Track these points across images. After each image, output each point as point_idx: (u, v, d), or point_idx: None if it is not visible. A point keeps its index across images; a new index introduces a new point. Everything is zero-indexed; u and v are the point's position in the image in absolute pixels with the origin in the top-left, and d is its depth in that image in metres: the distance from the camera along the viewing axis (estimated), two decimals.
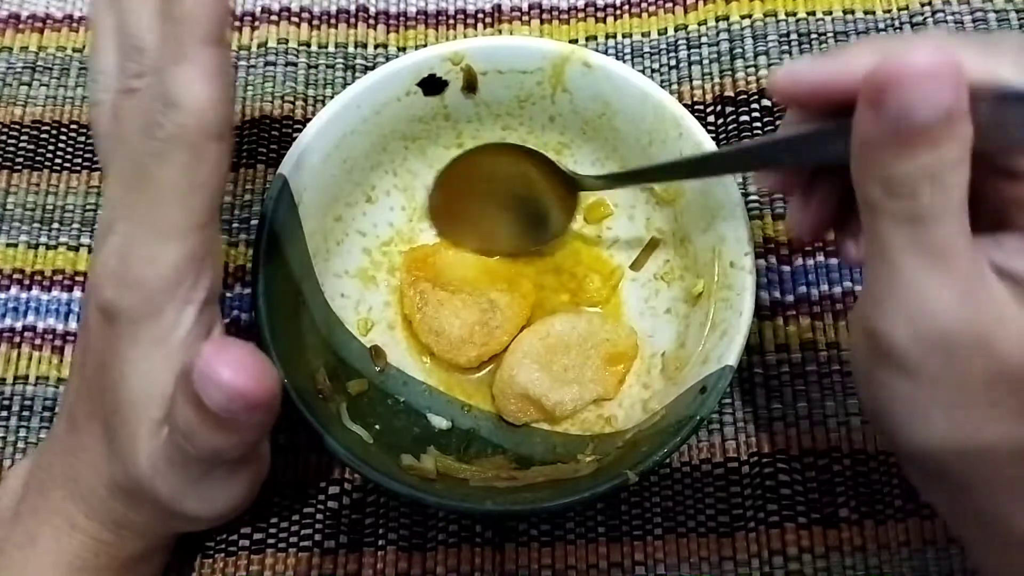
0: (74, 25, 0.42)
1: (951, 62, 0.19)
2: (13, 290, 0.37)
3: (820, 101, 0.23)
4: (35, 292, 0.37)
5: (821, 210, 0.26)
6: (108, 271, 0.25)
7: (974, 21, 0.40)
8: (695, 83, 0.40)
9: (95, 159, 0.39)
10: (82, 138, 0.39)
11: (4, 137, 0.39)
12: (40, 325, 0.37)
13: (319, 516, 0.34)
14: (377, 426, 0.32)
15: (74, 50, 0.41)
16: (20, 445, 0.35)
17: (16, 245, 0.38)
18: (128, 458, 0.26)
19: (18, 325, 0.37)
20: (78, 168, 0.39)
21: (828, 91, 0.22)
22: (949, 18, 0.40)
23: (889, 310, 0.21)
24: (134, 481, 0.26)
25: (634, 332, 0.34)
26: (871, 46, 0.22)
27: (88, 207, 0.38)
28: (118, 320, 0.25)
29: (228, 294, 0.37)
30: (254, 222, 0.38)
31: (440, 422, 0.34)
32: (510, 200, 0.35)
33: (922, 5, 0.41)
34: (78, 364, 0.28)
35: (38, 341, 0.36)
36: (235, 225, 0.38)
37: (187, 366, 0.23)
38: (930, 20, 0.40)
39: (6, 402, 0.35)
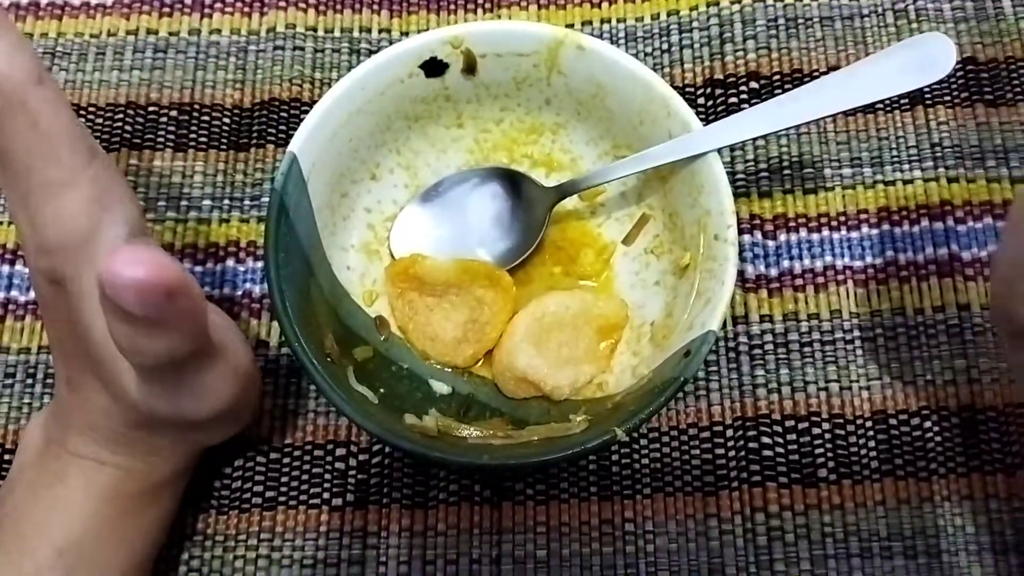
0: (91, 12, 0.43)
1: None
2: None
3: None
4: None
5: None
6: (32, 245, 0.26)
7: (952, 10, 0.42)
8: (686, 66, 0.42)
9: (111, 140, 0.41)
10: (100, 120, 0.41)
11: None
12: None
13: (327, 476, 0.36)
14: (382, 389, 0.34)
15: (91, 36, 0.43)
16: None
17: None
18: (126, 398, 0.28)
19: None
20: None
21: None
22: (929, 6, 0.42)
23: None
24: (140, 414, 0.28)
25: (624, 303, 0.36)
26: None
27: None
28: (63, 283, 0.26)
29: (241, 268, 0.39)
30: (264, 199, 0.40)
31: (441, 387, 0.36)
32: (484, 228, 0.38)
33: None
34: (52, 334, 0.30)
35: None
36: (247, 203, 0.40)
37: (99, 285, 0.23)
38: (911, 7, 0.42)
39: (31, 370, 0.37)
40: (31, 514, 0.29)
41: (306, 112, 0.34)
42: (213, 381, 0.29)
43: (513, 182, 0.37)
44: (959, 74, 0.41)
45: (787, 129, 0.32)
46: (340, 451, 0.36)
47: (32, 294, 0.39)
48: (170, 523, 0.33)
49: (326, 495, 0.35)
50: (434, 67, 0.35)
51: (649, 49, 0.42)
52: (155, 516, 0.32)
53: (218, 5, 0.44)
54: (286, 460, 0.36)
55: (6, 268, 0.39)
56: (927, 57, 0.29)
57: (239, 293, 0.38)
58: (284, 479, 0.36)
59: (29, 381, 0.37)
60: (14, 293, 0.39)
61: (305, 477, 0.36)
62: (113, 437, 0.29)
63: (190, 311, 0.24)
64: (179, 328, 0.24)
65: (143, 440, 0.30)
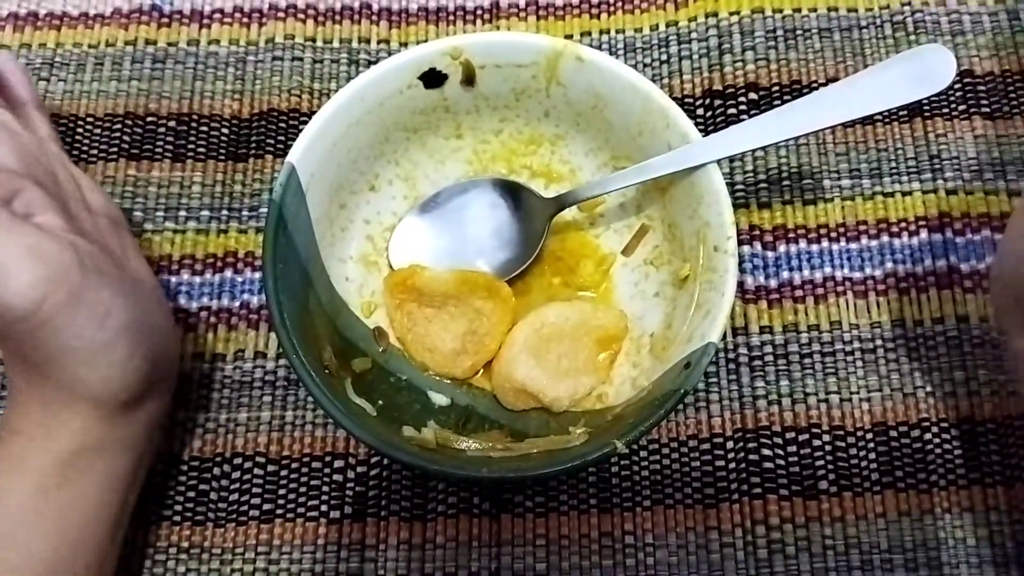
0: (89, 23, 0.43)
1: None
2: None
3: None
4: None
5: None
6: None
7: (949, 23, 0.42)
8: (685, 77, 0.42)
9: (110, 151, 0.41)
10: (98, 131, 0.41)
11: None
12: None
13: (325, 488, 0.35)
14: (380, 401, 0.34)
15: (89, 46, 0.43)
16: None
17: None
18: None
19: None
20: (94, 159, 0.41)
21: None
22: (927, 18, 0.42)
23: None
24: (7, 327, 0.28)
25: (624, 315, 0.36)
26: None
27: None
28: None
29: (239, 278, 0.39)
30: (263, 210, 0.40)
31: (440, 399, 0.35)
32: (482, 239, 0.37)
33: (902, 5, 0.42)
34: None
35: None
36: (245, 213, 0.40)
37: None
38: (909, 20, 0.42)
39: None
40: None
41: (305, 123, 0.34)
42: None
43: (512, 193, 0.37)
44: (956, 87, 0.41)
45: (787, 140, 0.32)
46: (338, 463, 0.36)
47: None
48: (111, 509, 0.31)
49: (324, 507, 0.35)
50: (433, 78, 0.35)
51: (648, 60, 0.42)
52: (87, 494, 0.30)
53: (216, 16, 0.44)
54: (283, 472, 0.36)
55: None
56: (927, 69, 0.29)
57: (237, 304, 0.38)
58: (282, 491, 0.35)
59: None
60: None
61: (303, 489, 0.35)
62: (20, 398, 0.30)
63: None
64: None
65: (36, 396, 0.30)
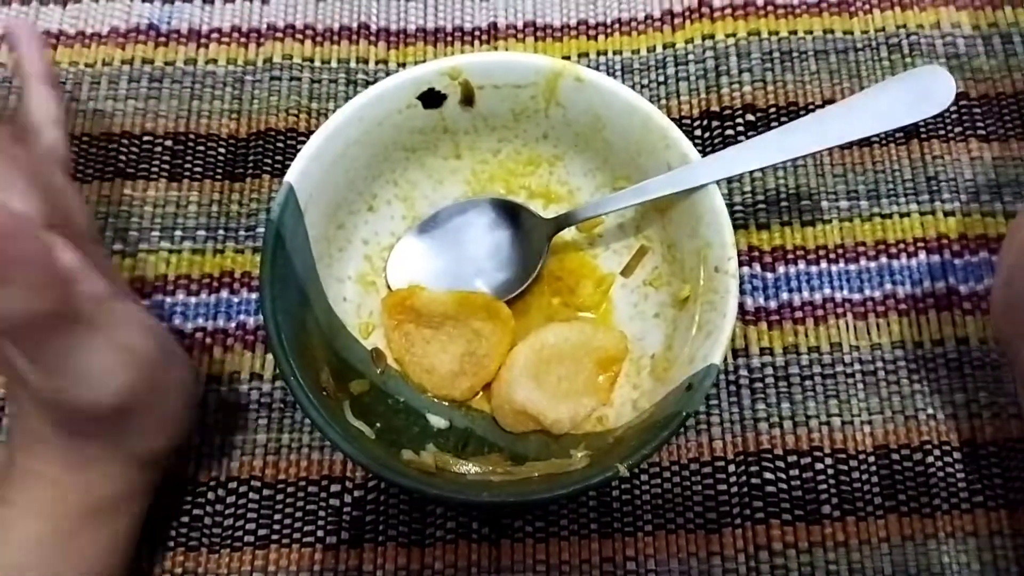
0: (86, 41, 0.43)
1: None
2: None
3: None
4: None
5: None
6: None
7: (944, 45, 0.42)
8: (682, 98, 0.42)
9: (106, 170, 0.40)
10: (93, 150, 0.41)
11: None
12: None
13: (321, 513, 0.35)
14: (378, 424, 0.33)
15: (86, 65, 0.43)
16: None
17: None
18: (31, 392, 0.27)
19: None
20: (89, 178, 0.40)
21: None
22: (922, 40, 0.42)
23: None
24: (44, 405, 0.27)
25: (624, 336, 0.36)
26: None
27: (98, 215, 0.40)
28: None
29: (235, 299, 0.38)
30: (259, 230, 0.39)
31: (438, 422, 0.35)
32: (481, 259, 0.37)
33: (897, 28, 0.43)
34: None
35: None
36: (241, 233, 0.39)
37: None
38: (904, 42, 0.42)
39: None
40: None
41: (302, 142, 0.34)
42: (99, 360, 0.27)
43: (511, 213, 0.37)
44: (952, 109, 0.41)
45: (786, 161, 0.32)
46: (335, 487, 0.35)
47: None
48: (123, 551, 0.31)
49: (320, 533, 0.34)
50: (432, 98, 0.35)
51: (645, 81, 0.42)
52: (102, 540, 0.30)
53: (214, 35, 0.43)
54: (279, 496, 0.35)
55: None
56: (926, 90, 0.29)
57: (233, 325, 0.38)
58: (277, 516, 0.35)
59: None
60: None
61: (299, 514, 0.35)
62: (44, 444, 0.29)
63: (29, 259, 0.23)
64: (18, 280, 0.23)
65: (71, 447, 0.29)
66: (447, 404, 0.36)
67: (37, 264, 0.23)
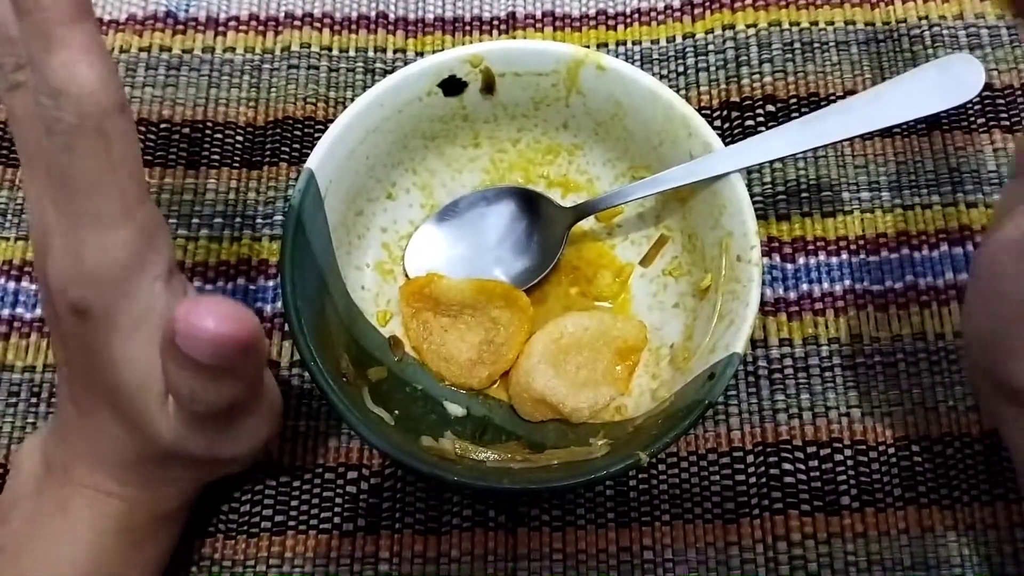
0: (104, 29, 0.43)
1: None
2: None
3: None
4: None
5: None
6: (66, 273, 0.25)
7: (967, 36, 0.42)
8: (702, 89, 0.42)
9: None
10: None
11: None
12: None
13: (338, 500, 0.35)
14: (396, 411, 0.33)
15: None
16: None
17: None
18: (149, 433, 0.27)
19: None
20: None
21: None
22: (945, 32, 0.42)
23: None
24: (163, 450, 0.27)
25: (643, 325, 0.36)
26: None
27: None
28: (90, 314, 0.25)
29: (252, 287, 0.38)
30: (277, 218, 0.39)
31: (456, 410, 0.35)
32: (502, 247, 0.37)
33: (919, 19, 0.42)
34: (62, 358, 0.28)
35: None
36: (259, 221, 0.39)
37: (167, 332, 0.23)
38: (927, 33, 0.42)
39: (36, 388, 0.37)
40: (31, 547, 0.28)
41: (320, 131, 0.34)
42: (255, 423, 0.29)
43: (530, 202, 0.37)
44: (975, 100, 0.41)
45: (814, 149, 0.31)
46: (352, 474, 0.35)
47: (38, 311, 0.38)
48: (171, 554, 0.32)
49: (337, 520, 0.34)
50: (453, 86, 0.35)
51: (665, 72, 0.42)
52: (158, 548, 0.31)
53: (232, 24, 0.43)
54: (296, 483, 0.35)
55: (12, 285, 0.38)
56: (955, 79, 0.28)
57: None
58: (294, 503, 0.35)
59: (33, 400, 0.36)
60: (19, 310, 0.38)
61: (316, 501, 0.35)
62: (123, 468, 0.28)
63: (257, 362, 0.25)
64: (244, 378, 0.25)
65: (155, 472, 0.29)
66: (465, 392, 0.35)
67: (261, 364, 0.27)
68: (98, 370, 0.26)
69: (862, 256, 0.38)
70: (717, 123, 0.41)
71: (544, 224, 0.37)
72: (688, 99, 0.41)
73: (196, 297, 0.25)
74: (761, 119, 0.41)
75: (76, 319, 0.26)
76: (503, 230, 0.37)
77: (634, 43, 0.43)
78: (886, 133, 0.40)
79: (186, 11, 0.44)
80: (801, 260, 0.38)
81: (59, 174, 0.24)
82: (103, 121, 0.23)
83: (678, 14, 0.43)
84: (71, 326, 0.26)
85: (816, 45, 0.42)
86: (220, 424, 0.27)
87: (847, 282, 0.38)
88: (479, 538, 0.34)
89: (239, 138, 0.41)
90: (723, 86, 0.41)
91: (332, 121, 0.33)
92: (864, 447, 0.35)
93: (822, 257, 0.38)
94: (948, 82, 0.29)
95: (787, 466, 0.35)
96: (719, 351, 0.30)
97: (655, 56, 0.42)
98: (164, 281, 0.26)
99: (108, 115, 0.23)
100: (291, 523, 0.34)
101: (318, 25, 0.43)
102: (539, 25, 0.44)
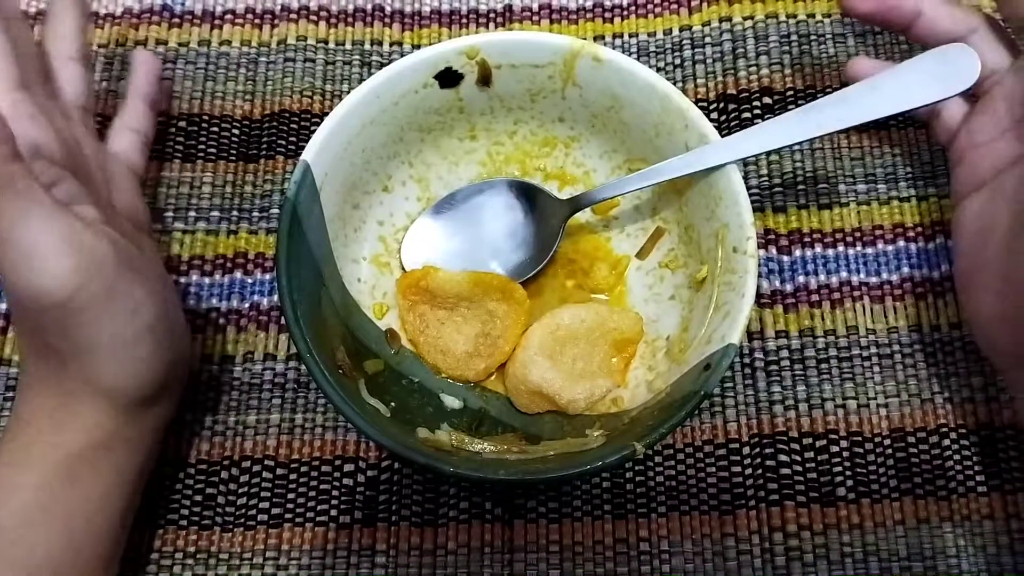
0: (100, 22, 0.43)
1: None
2: None
3: None
4: None
5: None
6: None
7: None
8: (699, 81, 0.42)
9: None
10: (106, 128, 0.41)
11: None
12: None
13: (335, 493, 0.35)
14: (393, 403, 0.33)
15: (99, 46, 0.43)
16: None
17: None
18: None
19: None
20: None
21: None
22: None
23: None
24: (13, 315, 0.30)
25: (640, 317, 0.36)
26: None
27: None
28: None
29: (249, 279, 0.38)
30: (274, 211, 0.39)
31: (452, 402, 0.35)
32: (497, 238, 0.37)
33: None
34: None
35: None
36: (255, 214, 0.39)
37: None
38: None
39: None
40: None
41: (316, 124, 0.34)
42: (44, 239, 0.28)
43: (527, 194, 0.37)
44: (971, 92, 0.40)
45: (811, 139, 0.31)
46: (348, 467, 0.35)
47: None
48: (116, 508, 0.31)
49: (333, 512, 0.35)
50: (449, 78, 0.35)
51: (662, 64, 0.42)
52: (89, 491, 0.30)
53: (228, 17, 0.43)
54: (292, 476, 0.35)
55: None
56: (952, 68, 0.28)
57: (247, 305, 0.38)
58: (291, 495, 0.35)
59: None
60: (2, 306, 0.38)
61: (312, 494, 0.35)
62: (31, 388, 0.30)
63: None
64: None
65: (51, 384, 0.30)
66: (461, 385, 0.35)
67: None
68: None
69: (858, 248, 0.38)
70: (714, 115, 0.41)
71: (540, 216, 0.37)
72: (685, 91, 0.41)
73: None
74: (758, 111, 0.41)
75: None
76: (499, 222, 0.37)
77: (631, 36, 0.43)
78: (882, 125, 0.40)
79: (182, 4, 0.44)
80: (797, 252, 0.38)
81: None
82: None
83: (675, 6, 0.43)
84: None
85: (813, 37, 0.42)
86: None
87: (843, 274, 0.38)
88: (476, 530, 0.34)
89: (235, 131, 0.41)
90: (720, 78, 0.41)
91: (329, 114, 0.33)
92: (860, 439, 0.35)
93: (818, 249, 0.38)
94: (945, 72, 0.29)
95: (783, 457, 0.35)
96: (715, 342, 0.30)
97: (652, 48, 0.42)
98: None
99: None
100: (288, 516, 0.34)
101: (314, 18, 0.43)
102: (536, 18, 0.44)
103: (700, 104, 0.41)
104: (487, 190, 0.37)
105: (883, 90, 0.30)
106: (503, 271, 0.36)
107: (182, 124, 0.41)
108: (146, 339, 0.30)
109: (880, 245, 0.38)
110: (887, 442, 0.35)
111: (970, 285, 0.33)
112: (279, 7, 0.43)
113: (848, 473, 0.35)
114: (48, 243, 0.27)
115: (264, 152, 0.40)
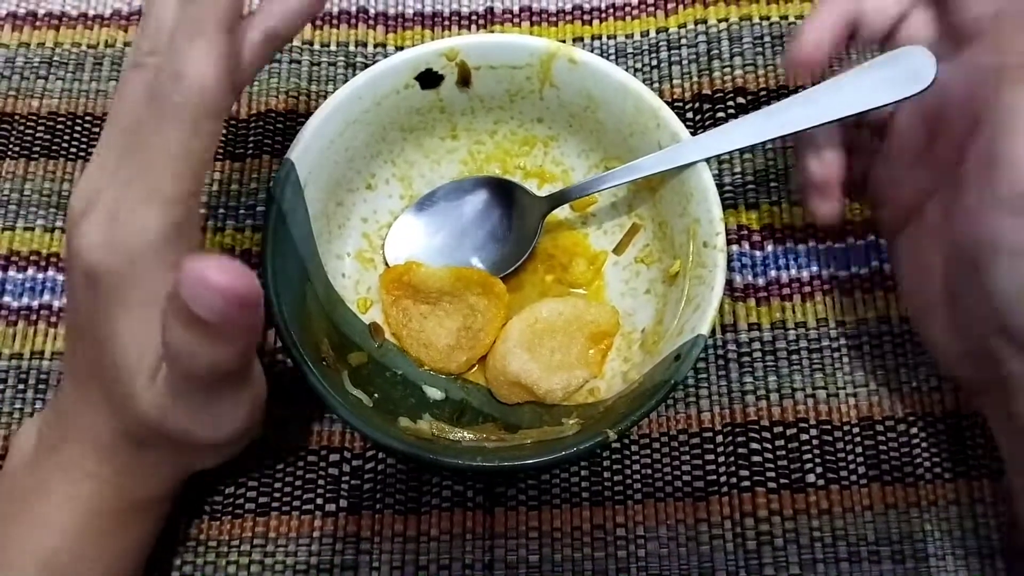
0: (88, 23, 0.44)
1: None
2: (30, 271, 0.39)
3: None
4: (51, 273, 0.39)
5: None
6: (94, 237, 0.26)
7: None
8: (675, 82, 0.43)
9: None
10: (96, 129, 0.42)
11: (22, 128, 0.42)
12: (56, 304, 0.39)
13: (320, 482, 0.36)
14: (376, 394, 0.34)
15: (88, 46, 0.43)
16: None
17: (33, 229, 0.40)
18: (130, 409, 0.27)
19: (35, 304, 0.39)
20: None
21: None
22: None
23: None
24: (143, 427, 0.28)
25: (616, 310, 0.37)
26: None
27: None
28: (101, 283, 0.26)
29: None
30: (259, 209, 0.40)
31: (434, 393, 0.36)
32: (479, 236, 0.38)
33: None
34: (70, 327, 0.29)
35: (53, 319, 0.38)
36: (241, 212, 0.40)
37: (172, 287, 0.23)
38: None
39: (23, 375, 0.37)
40: (13, 526, 0.29)
41: (302, 124, 0.34)
42: (236, 408, 0.29)
43: (506, 191, 0.38)
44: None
45: (775, 139, 0.32)
46: (334, 457, 0.36)
47: (25, 300, 0.39)
48: (148, 549, 0.32)
49: (319, 501, 0.35)
50: (429, 79, 0.36)
51: (639, 65, 0.43)
52: (137, 536, 0.31)
53: None
54: (280, 466, 0.36)
55: None
56: (909, 70, 0.30)
57: None
58: (277, 485, 0.36)
59: (20, 387, 0.37)
60: (6, 299, 0.39)
61: (298, 483, 0.36)
62: (103, 447, 0.29)
63: (253, 328, 0.25)
64: (238, 343, 0.25)
65: (132, 454, 0.29)
66: (443, 376, 0.36)
67: (256, 332, 0.26)
68: (96, 341, 0.27)
69: (828, 243, 0.39)
70: (689, 115, 0.42)
71: (520, 213, 0.38)
72: (661, 92, 0.42)
73: (204, 255, 0.26)
74: (732, 111, 0.42)
75: (87, 284, 0.26)
76: (480, 219, 0.38)
77: (609, 37, 0.44)
78: (852, 123, 0.41)
79: None
80: (769, 247, 0.39)
81: (136, 144, 0.26)
82: (200, 116, 0.26)
83: (652, 9, 0.44)
84: (82, 289, 0.27)
85: (786, 39, 0.43)
86: (202, 399, 0.27)
87: (814, 268, 0.39)
88: (458, 517, 0.35)
89: (222, 131, 0.42)
90: (695, 79, 0.43)
91: (315, 111, 0.34)
92: (829, 427, 0.36)
93: (790, 244, 0.39)
94: (903, 73, 0.30)
95: (755, 445, 0.36)
96: (686, 333, 0.31)
97: (629, 50, 0.44)
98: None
99: (206, 114, 0.26)
100: (275, 504, 0.35)
101: None
102: (516, 20, 0.45)
103: (676, 104, 0.42)
104: (467, 187, 0.38)
105: (846, 90, 0.31)
106: (484, 267, 0.37)
107: None
108: (248, 436, 0.32)
109: (850, 240, 0.39)
110: (856, 430, 0.36)
111: (921, 324, 0.33)
112: None
113: (818, 460, 0.36)
114: (238, 413, 0.29)
115: (251, 151, 0.41)
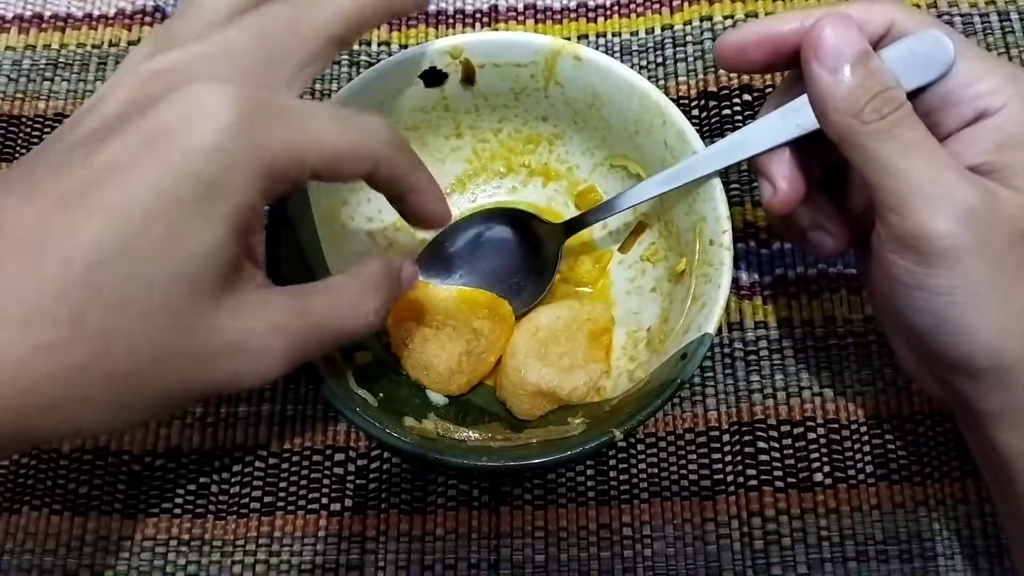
0: (93, 23, 0.44)
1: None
2: None
3: (761, 56, 0.30)
4: None
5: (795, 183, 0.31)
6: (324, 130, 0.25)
7: None
8: (680, 79, 0.42)
9: None
10: None
11: (28, 129, 0.42)
12: None
13: (325, 481, 0.36)
14: (380, 394, 0.34)
15: (93, 47, 0.43)
16: None
17: None
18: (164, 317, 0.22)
19: None
20: None
21: (766, 45, 0.30)
22: None
23: (916, 206, 0.25)
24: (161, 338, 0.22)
25: (607, 304, 0.37)
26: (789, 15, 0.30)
27: None
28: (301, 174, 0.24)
29: None
30: (265, 208, 0.40)
31: (439, 399, 0.36)
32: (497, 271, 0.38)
33: None
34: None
35: None
36: None
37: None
38: None
39: None
40: None
41: None
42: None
43: (521, 223, 0.37)
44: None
45: (795, 138, 0.31)
46: (339, 456, 0.36)
47: None
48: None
49: (324, 500, 0.35)
50: (433, 77, 0.36)
51: (644, 62, 0.43)
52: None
53: None
54: (284, 465, 0.36)
55: None
56: (925, 56, 0.28)
57: None
58: (282, 484, 0.36)
59: None
60: None
61: (303, 482, 0.36)
62: None
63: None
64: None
65: None
66: None
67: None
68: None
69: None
70: (695, 112, 0.42)
71: (537, 245, 0.37)
72: (667, 89, 0.42)
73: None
74: (738, 108, 0.41)
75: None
76: (497, 259, 0.37)
77: (614, 35, 0.44)
78: None
79: (174, 5, 0.44)
80: (776, 245, 0.39)
81: None
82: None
83: (657, 6, 0.44)
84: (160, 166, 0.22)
85: None
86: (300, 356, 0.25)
87: (821, 266, 0.39)
88: (463, 517, 0.35)
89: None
90: (701, 76, 0.42)
91: None
92: (837, 426, 0.36)
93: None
94: (918, 60, 0.29)
95: (762, 444, 0.36)
96: (692, 332, 0.31)
97: (634, 47, 0.43)
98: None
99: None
100: (280, 504, 0.35)
101: None
102: (521, 18, 0.44)
103: (682, 101, 0.42)
104: (480, 224, 0.38)
105: None
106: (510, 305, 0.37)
107: None
108: None
109: None
110: (863, 429, 0.36)
111: (889, 340, 0.31)
112: None
113: (825, 459, 0.36)
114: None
115: None
